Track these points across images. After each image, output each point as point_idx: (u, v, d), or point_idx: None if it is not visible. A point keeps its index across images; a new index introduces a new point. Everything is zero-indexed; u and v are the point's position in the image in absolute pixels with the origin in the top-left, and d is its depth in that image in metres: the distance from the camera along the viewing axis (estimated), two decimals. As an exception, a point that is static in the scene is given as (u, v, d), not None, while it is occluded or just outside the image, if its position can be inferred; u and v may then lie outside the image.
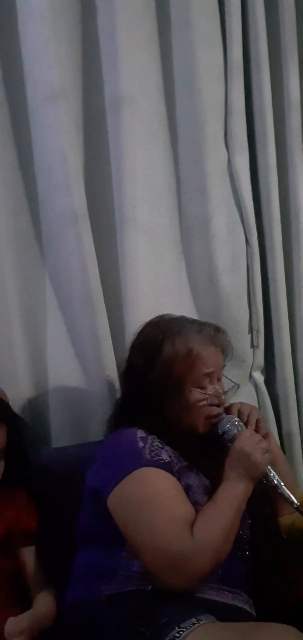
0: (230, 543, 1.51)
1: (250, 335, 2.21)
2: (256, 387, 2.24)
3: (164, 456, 1.58)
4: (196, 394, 1.64)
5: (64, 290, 1.96)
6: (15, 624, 1.43)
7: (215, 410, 1.66)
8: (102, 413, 1.86)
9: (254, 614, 1.60)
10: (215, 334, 1.70)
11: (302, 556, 1.67)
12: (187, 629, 1.36)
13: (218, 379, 1.70)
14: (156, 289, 2.06)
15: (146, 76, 2.07)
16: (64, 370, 1.96)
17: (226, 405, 1.70)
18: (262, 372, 2.27)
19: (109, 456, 1.62)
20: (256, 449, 1.57)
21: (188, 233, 2.15)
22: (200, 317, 1.95)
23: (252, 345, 2.22)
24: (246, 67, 2.18)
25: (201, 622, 1.38)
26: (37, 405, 1.95)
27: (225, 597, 1.54)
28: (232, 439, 1.61)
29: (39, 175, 1.94)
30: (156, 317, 1.75)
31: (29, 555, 1.64)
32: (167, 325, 1.70)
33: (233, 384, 1.74)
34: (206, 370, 1.65)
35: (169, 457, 1.59)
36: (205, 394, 1.65)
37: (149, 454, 1.56)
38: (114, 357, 1.94)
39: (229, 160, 2.17)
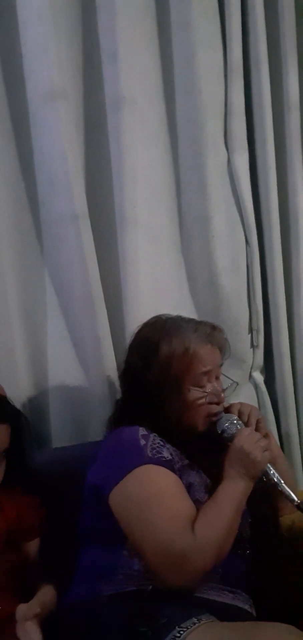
0: (230, 541, 1.51)
1: (250, 335, 2.22)
2: (256, 387, 2.24)
3: (166, 454, 1.59)
4: (195, 393, 1.64)
5: (64, 290, 1.96)
6: (28, 608, 1.44)
7: (215, 408, 1.66)
8: (102, 413, 1.86)
9: (254, 614, 1.60)
10: (211, 332, 1.70)
11: (302, 556, 1.67)
12: (187, 628, 1.36)
13: (217, 378, 1.70)
14: (156, 289, 2.06)
15: (146, 76, 2.07)
16: (64, 370, 1.96)
17: (227, 405, 1.71)
18: (262, 372, 2.28)
19: (111, 454, 1.62)
20: (255, 447, 1.58)
21: (188, 233, 2.16)
22: (199, 317, 1.95)
23: (252, 345, 2.23)
24: (246, 67, 2.19)
25: (202, 622, 1.38)
26: (37, 405, 1.95)
27: (225, 597, 1.55)
28: (232, 438, 1.62)
29: (39, 175, 1.94)
30: (153, 318, 1.75)
31: (32, 548, 1.65)
32: (164, 325, 1.71)
33: (231, 382, 1.74)
34: (204, 369, 1.66)
35: (171, 455, 1.60)
36: (204, 392, 1.65)
37: (150, 451, 1.57)
38: (114, 357, 1.94)
39: (229, 160, 2.18)
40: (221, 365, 1.72)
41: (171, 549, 1.46)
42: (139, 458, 1.55)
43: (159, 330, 1.69)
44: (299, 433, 2.27)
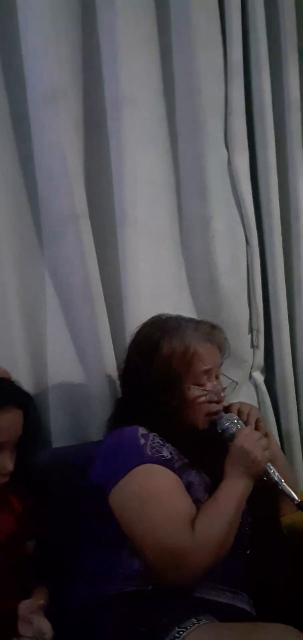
0: (230, 540, 1.51)
1: (250, 335, 2.22)
2: (256, 387, 2.24)
3: (166, 453, 1.59)
4: (195, 391, 1.65)
5: (64, 290, 1.96)
6: (32, 602, 1.45)
7: (215, 407, 1.67)
8: (102, 413, 1.86)
9: (254, 613, 1.60)
10: (211, 331, 1.71)
11: (302, 556, 1.67)
12: (187, 629, 1.36)
13: (217, 377, 1.70)
14: (156, 289, 2.06)
15: (146, 76, 2.07)
16: (64, 370, 1.96)
17: (226, 405, 1.71)
18: (262, 372, 2.28)
19: (111, 453, 1.62)
20: (256, 446, 1.58)
21: (188, 233, 2.16)
22: (199, 317, 1.94)
23: (252, 345, 2.23)
24: (246, 67, 2.18)
25: (202, 622, 1.38)
26: (37, 405, 1.95)
27: (225, 597, 1.55)
28: (232, 437, 1.62)
29: (39, 176, 1.94)
30: (152, 317, 1.76)
31: (29, 547, 1.64)
32: (164, 324, 1.71)
33: (231, 382, 1.74)
34: (204, 367, 1.66)
35: (170, 454, 1.60)
36: (204, 390, 1.65)
37: (150, 450, 1.57)
38: (114, 357, 1.94)
39: (229, 160, 2.18)
40: (221, 364, 1.73)
41: (170, 547, 1.46)
42: (139, 457, 1.56)
43: (159, 329, 1.70)
44: (301, 432, 2.27)
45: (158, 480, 1.55)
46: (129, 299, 1.99)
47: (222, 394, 1.69)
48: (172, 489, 1.55)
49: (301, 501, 1.57)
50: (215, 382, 1.68)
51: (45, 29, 1.86)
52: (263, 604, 1.62)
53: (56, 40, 1.88)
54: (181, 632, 1.36)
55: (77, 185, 1.91)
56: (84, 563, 1.61)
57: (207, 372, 1.67)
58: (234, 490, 1.55)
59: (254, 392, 2.23)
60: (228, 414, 1.67)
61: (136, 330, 1.76)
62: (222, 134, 2.17)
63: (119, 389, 1.86)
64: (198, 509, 1.53)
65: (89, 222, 1.93)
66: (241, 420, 1.67)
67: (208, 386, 1.66)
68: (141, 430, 1.60)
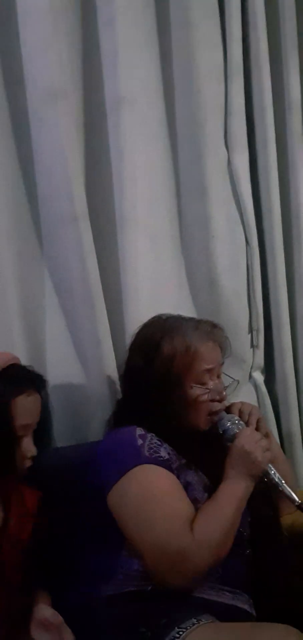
0: (230, 541, 1.51)
1: (250, 335, 2.22)
2: (256, 387, 2.24)
3: (163, 453, 1.59)
4: (197, 390, 1.65)
5: (64, 291, 1.96)
6: (54, 614, 1.45)
7: (216, 406, 1.67)
8: (102, 413, 1.86)
9: (254, 614, 1.60)
10: (212, 330, 1.71)
11: (302, 556, 1.67)
12: (187, 629, 1.36)
13: (218, 376, 1.70)
14: (156, 289, 2.06)
15: (146, 76, 2.07)
16: (64, 370, 1.96)
17: (227, 404, 1.71)
18: (262, 372, 2.28)
19: (108, 454, 1.62)
20: (256, 447, 1.58)
21: (188, 233, 2.16)
22: (199, 317, 1.94)
23: (252, 345, 2.23)
24: (246, 67, 2.19)
25: (201, 623, 1.38)
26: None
27: (225, 598, 1.55)
28: (233, 438, 1.62)
29: (39, 175, 1.94)
30: (152, 317, 1.75)
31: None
32: (164, 324, 1.71)
33: (232, 381, 1.74)
34: (206, 366, 1.66)
35: (168, 454, 1.60)
36: (206, 389, 1.65)
37: (148, 451, 1.57)
38: (114, 357, 1.94)
39: (229, 160, 2.18)
40: (222, 363, 1.73)
41: (169, 548, 1.46)
42: (136, 458, 1.56)
43: (160, 329, 1.70)
44: (301, 432, 2.27)
45: (155, 481, 1.54)
46: (129, 299, 1.99)
47: (224, 393, 1.69)
48: (170, 490, 1.55)
49: (301, 502, 1.57)
50: (216, 381, 1.68)
51: (45, 29, 1.86)
52: (263, 604, 1.62)
53: (56, 40, 1.88)
54: (181, 632, 1.36)
55: (77, 185, 1.91)
56: (84, 563, 1.61)
57: (209, 371, 1.67)
58: (234, 491, 1.55)
59: (254, 392, 2.23)
60: (229, 415, 1.67)
61: (136, 331, 1.75)
62: (222, 134, 2.17)
63: (119, 389, 1.86)
64: (196, 509, 1.53)
65: (88, 222, 1.92)
66: (242, 420, 1.67)
67: (210, 385, 1.66)
68: (139, 431, 1.60)
